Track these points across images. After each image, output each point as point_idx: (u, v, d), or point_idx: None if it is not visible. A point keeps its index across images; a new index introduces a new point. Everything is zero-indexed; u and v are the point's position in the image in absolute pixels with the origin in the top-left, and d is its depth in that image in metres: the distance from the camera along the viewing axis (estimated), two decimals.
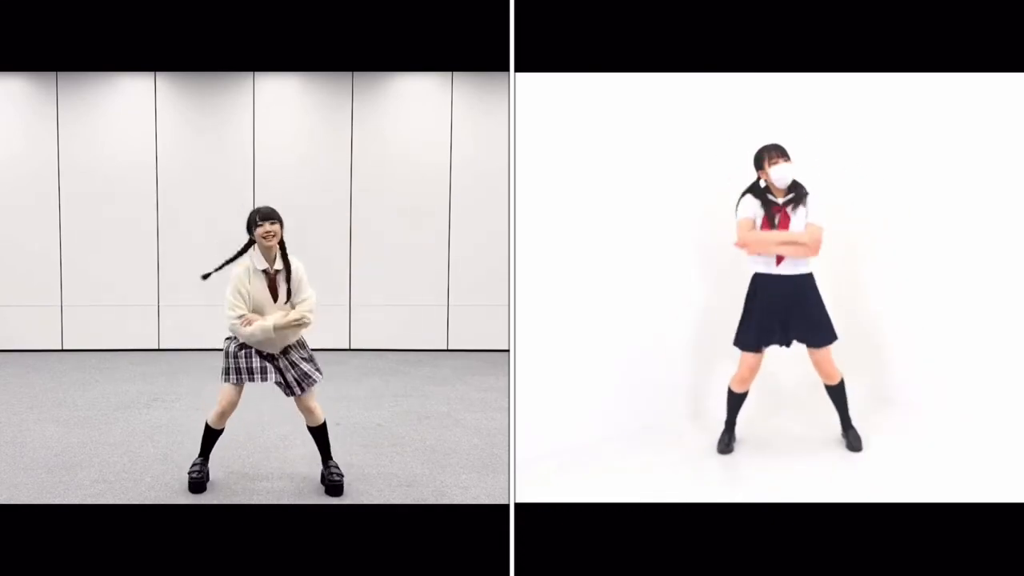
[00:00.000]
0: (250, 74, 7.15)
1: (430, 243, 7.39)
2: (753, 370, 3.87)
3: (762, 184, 3.79)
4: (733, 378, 3.93)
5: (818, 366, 3.83)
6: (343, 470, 3.93)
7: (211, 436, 3.87)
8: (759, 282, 3.81)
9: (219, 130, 7.20)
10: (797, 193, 3.75)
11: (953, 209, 4.15)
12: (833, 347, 3.82)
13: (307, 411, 3.83)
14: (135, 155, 7.12)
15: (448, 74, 7.28)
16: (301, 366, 3.76)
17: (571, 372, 3.92)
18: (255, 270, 3.64)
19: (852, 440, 3.86)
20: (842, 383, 3.86)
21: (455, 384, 6.20)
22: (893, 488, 3.46)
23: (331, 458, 3.92)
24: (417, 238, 7.39)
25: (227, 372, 3.73)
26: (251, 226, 3.64)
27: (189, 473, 3.87)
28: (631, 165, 4.02)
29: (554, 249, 3.83)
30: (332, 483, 3.84)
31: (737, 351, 3.87)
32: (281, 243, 3.67)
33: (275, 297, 3.66)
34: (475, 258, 7.41)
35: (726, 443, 3.95)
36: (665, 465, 3.81)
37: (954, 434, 3.97)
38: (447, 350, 7.51)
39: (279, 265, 3.67)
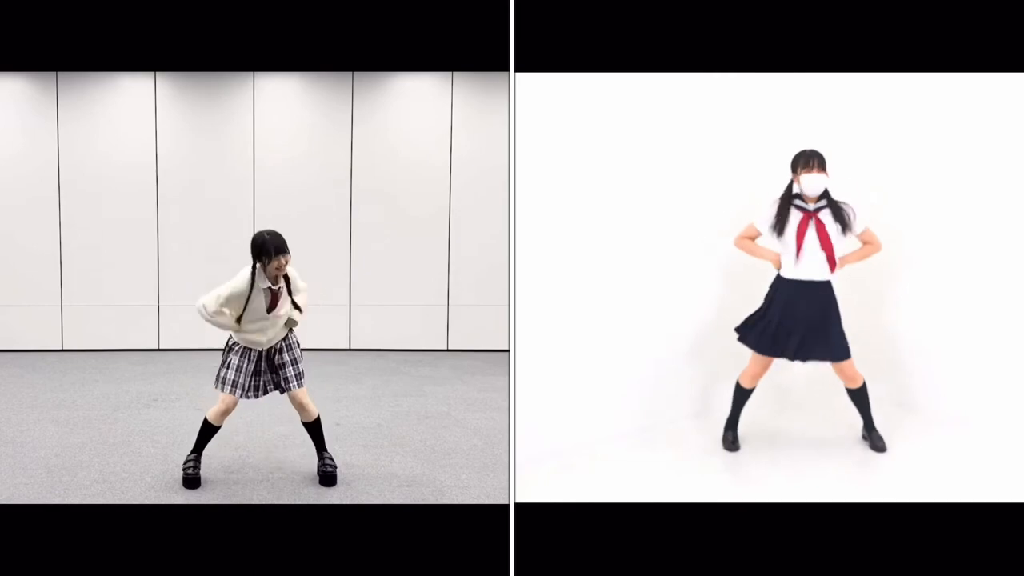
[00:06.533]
0: (250, 74, 7.14)
1: (430, 243, 7.38)
2: (766, 367, 3.87)
3: (795, 189, 3.76)
4: (743, 373, 3.92)
5: (840, 373, 3.81)
6: (344, 469, 3.95)
7: (208, 432, 3.91)
8: (780, 286, 3.77)
9: (219, 130, 7.20)
10: (831, 201, 3.72)
11: (964, 211, 4.13)
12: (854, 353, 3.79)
13: (300, 407, 3.91)
14: (135, 155, 7.12)
15: (448, 74, 7.27)
16: (289, 368, 3.86)
17: (571, 372, 3.92)
18: (259, 288, 3.66)
19: (875, 441, 3.87)
20: (864, 386, 3.86)
21: (455, 384, 6.19)
22: (903, 489, 3.46)
23: (325, 450, 4.00)
24: (417, 238, 7.39)
25: (222, 380, 3.79)
26: (262, 255, 3.60)
27: (184, 469, 3.92)
28: (631, 165, 4.02)
29: (554, 249, 3.83)
30: (325, 473, 3.93)
31: (740, 350, 3.86)
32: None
33: (270, 309, 3.72)
34: (475, 258, 7.40)
35: (731, 440, 3.94)
36: (665, 465, 3.80)
37: (969, 438, 3.96)
38: (447, 350, 7.51)
39: (281, 283, 3.73)
